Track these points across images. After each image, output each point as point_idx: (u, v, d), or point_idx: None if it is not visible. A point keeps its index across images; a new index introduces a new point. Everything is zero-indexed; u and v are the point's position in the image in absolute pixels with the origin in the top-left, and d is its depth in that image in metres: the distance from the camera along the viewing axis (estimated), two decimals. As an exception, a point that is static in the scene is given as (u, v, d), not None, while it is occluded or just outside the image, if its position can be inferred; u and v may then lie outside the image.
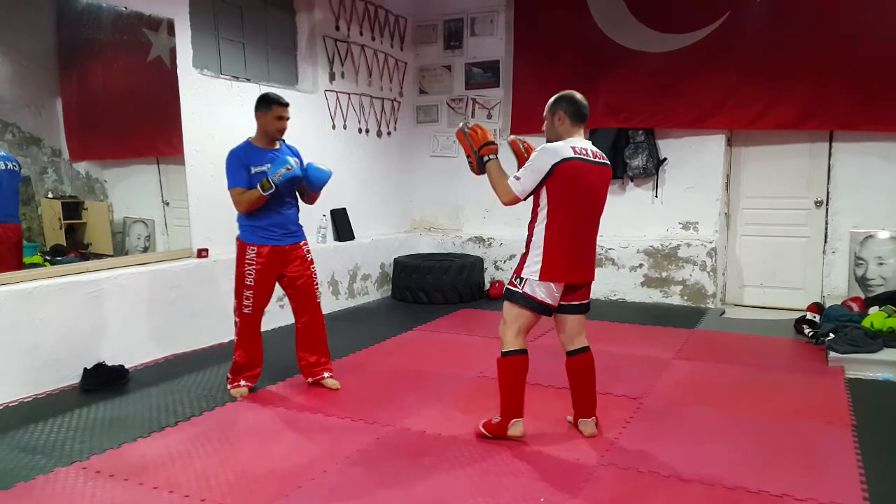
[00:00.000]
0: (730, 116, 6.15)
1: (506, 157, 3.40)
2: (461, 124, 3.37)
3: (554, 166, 3.04)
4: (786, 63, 5.86)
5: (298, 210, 4.06)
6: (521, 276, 3.18)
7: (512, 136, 3.43)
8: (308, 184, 3.95)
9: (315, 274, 4.08)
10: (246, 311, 3.91)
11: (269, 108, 3.83)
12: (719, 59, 6.09)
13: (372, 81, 6.92)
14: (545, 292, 3.15)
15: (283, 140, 4.01)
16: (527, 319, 3.21)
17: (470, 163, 3.36)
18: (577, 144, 3.12)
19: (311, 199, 4.13)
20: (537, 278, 3.13)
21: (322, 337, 4.13)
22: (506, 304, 3.26)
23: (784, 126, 5.98)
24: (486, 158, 3.27)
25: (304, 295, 4.02)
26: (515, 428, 3.26)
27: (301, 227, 4.07)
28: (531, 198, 3.18)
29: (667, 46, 6.29)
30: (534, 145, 3.31)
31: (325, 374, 4.12)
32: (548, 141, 3.23)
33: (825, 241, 6.12)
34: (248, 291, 3.88)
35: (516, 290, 3.20)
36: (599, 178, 3.19)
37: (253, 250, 3.85)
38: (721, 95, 6.12)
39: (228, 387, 4.01)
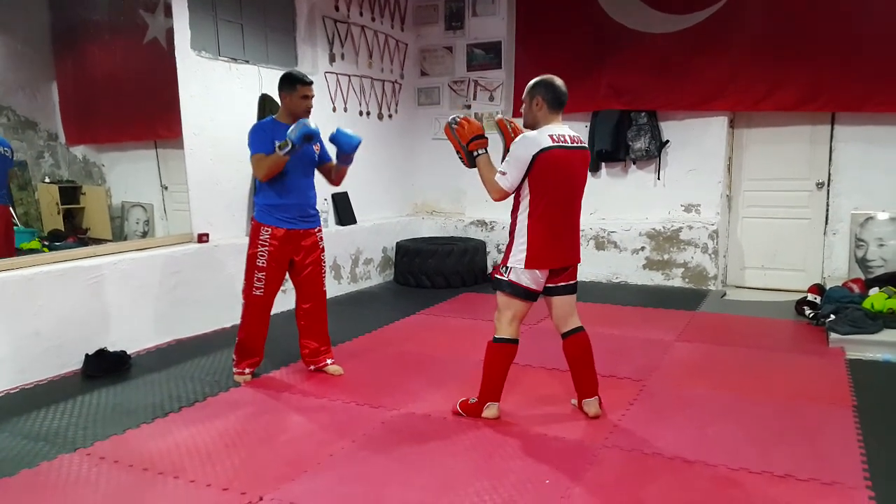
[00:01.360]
0: (733, 98, 6.11)
1: (493, 140, 3.37)
2: (449, 119, 3.34)
3: (535, 156, 3.04)
4: (788, 45, 5.82)
5: (316, 195, 3.99)
6: (507, 264, 3.21)
7: (500, 116, 3.40)
8: (339, 148, 3.87)
9: (324, 261, 4.05)
10: (257, 293, 3.85)
11: (294, 87, 3.76)
12: (722, 40, 6.04)
13: (372, 63, 6.85)
14: (530, 279, 3.18)
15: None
16: (517, 307, 3.24)
17: (460, 158, 3.33)
18: (555, 131, 3.10)
19: (338, 176, 4.04)
20: (522, 266, 3.15)
21: (324, 325, 4.10)
22: (497, 292, 3.28)
23: (787, 108, 5.94)
24: (475, 153, 3.25)
25: (311, 282, 3.98)
26: (489, 411, 3.33)
27: (318, 212, 4.02)
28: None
29: (670, 27, 6.23)
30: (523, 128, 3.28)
31: (328, 361, 4.10)
32: (525, 125, 3.23)
33: (826, 223, 6.11)
34: (260, 273, 3.82)
35: (503, 278, 3.23)
36: (578, 162, 3.19)
37: (267, 231, 3.79)
38: (724, 77, 6.08)
39: (234, 369, 3.99)
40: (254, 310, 3.89)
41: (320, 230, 4.03)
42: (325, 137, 3.95)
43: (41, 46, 5.22)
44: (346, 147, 3.89)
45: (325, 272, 4.06)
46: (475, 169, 3.26)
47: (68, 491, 2.69)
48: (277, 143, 3.64)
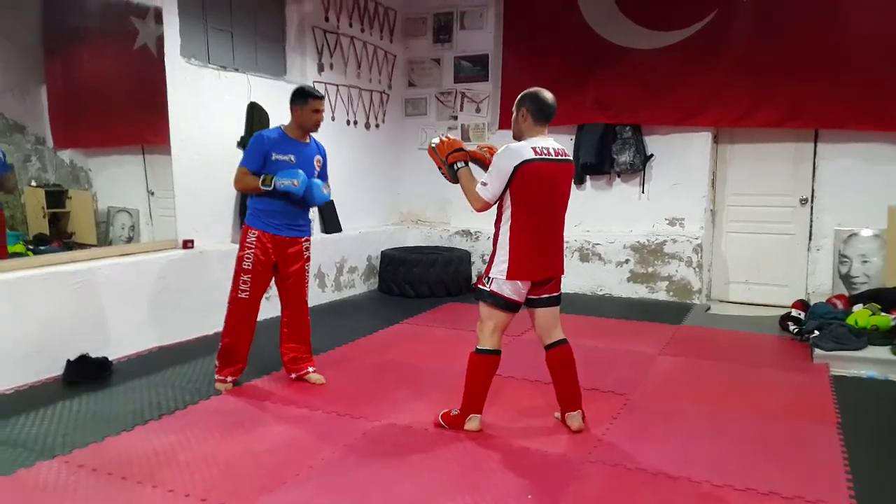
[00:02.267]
0: (715, 114, 6.19)
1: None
2: (431, 141, 3.39)
3: (516, 168, 3.06)
4: (772, 62, 5.90)
5: (307, 212, 4.02)
6: (490, 275, 3.22)
7: (472, 147, 3.44)
8: (306, 198, 3.88)
9: (308, 270, 4.07)
10: (242, 295, 3.87)
11: (305, 101, 3.81)
12: (706, 56, 6.12)
13: (361, 73, 6.87)
14: (511, 290, 3.19)
15: (314, 137, 4.00)
16: (499, 318, 3.25)
17: (442, 174, 3.38)
18: (539, 144, 3.13)
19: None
20: (504, 277, 3.16)
21: (306, 333, 4.11)
22: (480, 303, 3.30)
23: (769, 124, 6.02)
24: (455, 167, 3.29)
25: (293, 289, 4.01)
26: (472, 423, 3.33)
27: (309, 221, 4.05)
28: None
29: (655, 43, 6.31)
30: (497, 145, 3.32)
31: (309, 369, 4.09)
32: (513, 136, 3.26)
33: (810, 239, 6.18)
34: (246, 276, 3.86)
35: (484, 289, 3.25)
36: (561, 175, 3.21)
37: (254, 234, 3.84)
38: (707, 93, 6.15)
39: (216, 376, 3.97)
40: (238, 312, 3.90)
41: (308, 240, 4.03)
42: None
43: (32, 50, 5.20)
44: (310, 201, 3.88)
45: (307, 282, 4.08)
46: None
47: (45, 499, 2.66)
48: (262, 178, 3.72)
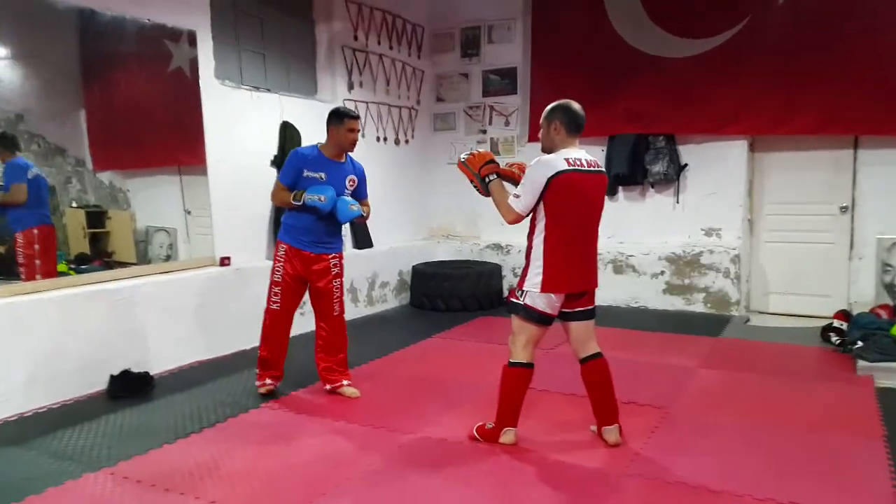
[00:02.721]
0: (751, 122, 6.10)
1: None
2: (461, 156, 3.41)
3: (550, 179, 3.06)
4: (808, 67, 5.80)
5: (337, 230, 4.10)
6: (523, 288, 3.21)
7: (501, 164, 3.45)
8: (335, 215, 3.96)
9: (338, 287, 4.11)
10: (273, 306, 4.05)
11: (342, 121, 3.92)
12: (740, 63, 6.04)
13: (389, 90, 6.95)
14: (545, 303, 3.17)
15: (350, 155, 4.10)
16: (532, 331, 3.23)
17: (475, 187, 3.38)
18: (571, 155, 3.12)
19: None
20: (538, 290, 3.14)
21: (339, 345, 4.17)
22: (512, 316, 3.29)
23: (806, 131, 5.91)
24: (487, 179, 3.30)
25: (322, 304, 4.11)
26: (507, 436, 3.31)
27: (340, 240, 4.14)
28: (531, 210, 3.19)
29: (687, 51, 6.26)
30: (525, 161, 3.35)
31: (344, 382, 4.15)
32: (543, 150, 3.24)
33: (851, 248, 6.04)
34: (276, 288, 4.03)
35: (518, 302, 3.23)
36: (595, 186, 3.20)
37: (283, 248, 4.01)
38: (742, 100, 6.07)
39: (256, 382, 4.12)
40: (271, 323, 4.08)
41: (337, 257, 4.10)
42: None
43: (70, 76, 5.36)
44: (339, 217, 3.94)
45: (338, 297, 4.13)
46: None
47: (91, 511, 2.72)
48: (294, 194, 3.86)
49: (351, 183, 4.03)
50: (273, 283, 4.03)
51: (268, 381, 4.11)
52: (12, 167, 4.59)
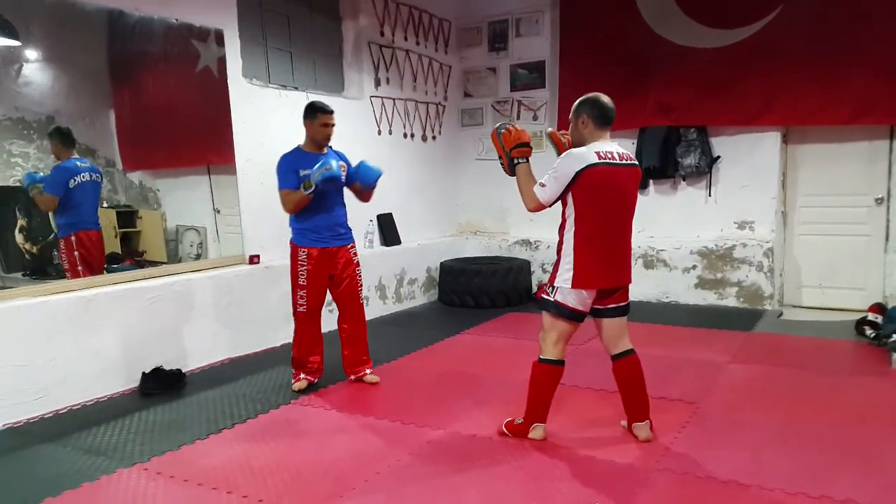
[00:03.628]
0: (784, 113, 5.98)
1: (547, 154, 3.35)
2: (498, 125, 3.35)
3: (579, 173, 3.01)
4: (842, 56, 5.66)
5: (346, 213, 4.20)
6: (554, 284, 3.17)
7: (551, 129, 3.41)
8: (360, 180, 4.12)
9: (360, 276, 4.22)
10: (300, 309, 4.11)
11: (315, 116, 4.04)
12: (773, 53, 5.92)
13: (417, 86, 6.95)
14: (576, 299, 3.13)
15: (331, 146, 4.17)
16: (563, 328, 3.20)
17: (501, 164, 3.33)
18: (603, 148, 3.06)
19: (365, 198, 4.29)
20: (569, 286, 3.11)
21: (362, 336, 4.28)
22: (543, 312, 3.25)
23: (841, 122, 5.78)
24: (516, 161, 3.24)
25: (347, 294, 4.18)
26: (536, 432, 3.30)
27: (350, 229, 4.23)
28: (559, 203, 3.15)
29: (718, 42, 6.15)
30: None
31: (367, 371, 4.26)
32: (572, 144, 3.20)
33: (886, 240, 5.90)
34: (302, 291, 4.08)
35: (549, 298, 3.20)
36: (627, 179, 3.14)
37: (304, 252, 4.04)
38: (775, 91, 5.95)
39: (292, 380, 4.20)
40: (300, 325, 4.15)
41: (353, 247, 4.21)
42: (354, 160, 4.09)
43: (99, 78, 5.45)
44: (366, 179, 4.12)
45: (361, 286, 4.24)
46: (517, 187, 3.24)
47: (126, 505, 2.77)
48: (302, 184, 3.90)
49: (342, 168, 4.09)
50: (298, 287, 4.08)
51: (302, 376, 4.18)
52: (59, 172, 4.66)
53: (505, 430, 3.38)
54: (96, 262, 4.75)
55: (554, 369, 3.23)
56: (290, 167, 3.98)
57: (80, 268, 4.59)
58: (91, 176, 4.79)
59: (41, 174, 4.60)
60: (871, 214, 5.97)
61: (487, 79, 7.47)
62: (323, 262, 4.06)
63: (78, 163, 4.72)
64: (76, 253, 4.63)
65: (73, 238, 4.66)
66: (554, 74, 7.08)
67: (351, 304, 4.21)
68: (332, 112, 4.07)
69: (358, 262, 4.23)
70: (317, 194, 3.92)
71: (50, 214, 4.78)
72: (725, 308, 6.25)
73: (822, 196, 6.18)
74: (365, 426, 3.57)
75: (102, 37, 5.41)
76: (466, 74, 7.58)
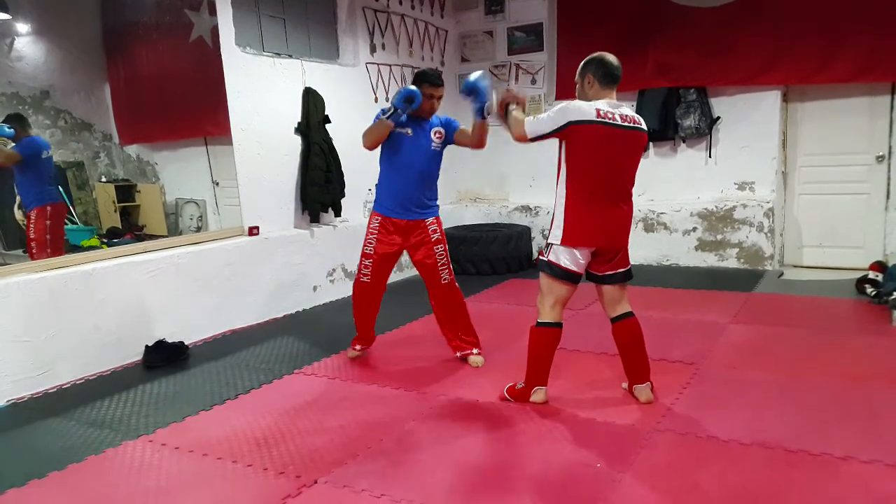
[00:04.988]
0: (785, 71, 5.91)
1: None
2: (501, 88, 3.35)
3: (570, 123, 2.98)
4: (843, 13, 5.59)
5: (435, 189, 3.94)
6: (548, 241, 3.18)
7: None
8: (466, 95, 3.68)
9: (441, 253, 3.92)
10: (363, 279, 3.96)
11: (420, 84, 3.77)
12: (772, 11, 5.84)
13: (413, 51, 6.85)
14: (569, 258, 3.12)
15: (437, 115, 3.94)
16: (559, 290, 3.20)
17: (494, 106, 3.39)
18: (604, 107, 3.01)
19: (476, 137, 3.82)
20: (559, 243, 3.11)
21: (457, 314, 4.03)
22: (540, 275, 3.26)
23: (843, 79, 5.72)
24: (509, 108, 3.29)
25: (428, 271, 3.93)
26: (537, 395, 3.32)
27: (435, 205, 3.95)
28: (556, 160, 3.15)
29: (718, 1, 6.05)
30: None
31: (474, 351, 4.03)
32: None
33: (887, 198, 5.88)
34: (367, 260, 3.92)
35: (543, 259, 3.21)
36: (628, 143, 3.08)
37: (377, 220, 3.90)
38: (776, 49, 5.87)
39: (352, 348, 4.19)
40: (360, 295, 4.03)
41: (435, 221, 3.92)
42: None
43: (94, 50, 5.39)
44: (466, 89, 3.58)
45: (443, 264, 3.93)
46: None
47: (132, 476, 2.80)
48: (383, 115, 3.66)
49: (437, 135, 3.84)
50: (364, 255, 3.91)
51: (357, 346, 4.15)
52: (32, 141, 4.70)
53: (506, 394, 3.40)
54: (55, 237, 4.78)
55: (552, 332, 3.24)
56: (381, 113, 3.72)
57: (48, 236, 4.61)
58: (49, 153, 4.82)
59: (10, 128, 4.53)
60: (871, 172, 5.93)
61: (485, 43, 7.37)
62: (393, 236, 3.86)
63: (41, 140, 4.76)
64: (47, 222, 4.65)
65: (47, 209, 4.68)
66: (552, 37, 6.98)
67: (434, 283, 3.93)
68: (440, 84, 3.82)
69: (439, 237, 3.90)
70: (401, 163, 3.76)
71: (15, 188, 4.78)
72: (726, 269, 6.25)
73: (823, 155, 6.15)
74: (368, 394, 3.59)
75: (95, 9, 5.34)
76: (463, 39, 7.48)
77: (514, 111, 3.25)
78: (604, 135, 3.00)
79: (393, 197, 3.84)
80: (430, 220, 3.92)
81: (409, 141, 3.79)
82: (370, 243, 3.91)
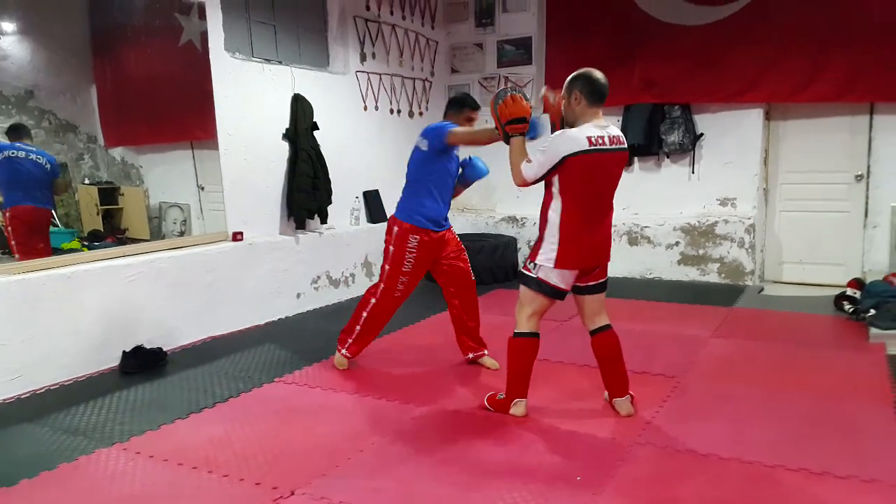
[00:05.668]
0: (769, 89, 5.99)
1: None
2: (499, 91, 3.21)
3: (566, 157, 2.98)
4: (826, 34, 5.68)
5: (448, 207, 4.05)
6: (536, 261, 3.16)
7: (544, 91, 3.32)
8: (466, 175, 3.98)
9: (466, 256, 4.12)
10: (397, 294, 3.93)
11: (461, 110, 3.85)
12: (757, 31, 5.92)
13: (403, 61, 6.87)
14: (559, 278, 3.14)
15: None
16: (541, 303, 3.21)
17: (495, 129, 3.27)
18: (594, 133, 3.00)
19: (456, 193, 4.11)
20: (552, 266, 3.11)
21: (476, 315, 4.16)
22: (521, 287, 3.25)
23: (825, 98, 5.80)
24: (511, 136, 3.16)
25: (460, 278, 4.06)
26: (517, 408, 3.30)
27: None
28: (543, 181, 3.13)
29: (704, 19, 6.13)
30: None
31: (485, 352, 4.15)
32: (566, 122, 3.14)
33: (866, 216, 5.96)
34: (405, 277, 3.89)
35: (531, 275, 3.19)
36: (615, 163, 3.12)
37: (415, 238, 3.83)
38: (759, 68, 5.95)
39: (338, 347, 4.09)
40: (389, 309, 3.99)
41: (451, 230, 4.08)
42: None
43: (81, 51, 5.34)
44: (471, 177, 4.00)
45: (466, 263, 4.09)
46: (507, 163, 3.18)
47: (105, 484, 2.75)
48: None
49: (458, 155, 3.99)
50: (401, 273, 3.86)
51: (348, 355, 4.09)
52: None
53: (487, 404, 3.40)
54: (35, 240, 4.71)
55: (530, 342, 3.24)
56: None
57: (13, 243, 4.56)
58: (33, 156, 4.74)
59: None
60: (850, 191, 6.01)
61: (474, 55, 7.40)
62: (432, 250, 3.91)
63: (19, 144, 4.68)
64: (10, 228, 4.60)
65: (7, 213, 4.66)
66: (541, 51, 7.03)
67: (465, 285, 4.07)
68: (478, 108, 3.87)
69: (458, 241, 4.10)
70: (442, 181, 3.85)
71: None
72: (707, 284, 6.30)
73: (803, 173, 6.23)
74: (349, 404, 3.57)
75: (83, 9, 5.31)
76: (453, 50, 7.51)
77: (515, 151, 3.12)
78: (597, 161, 3.01)
79: (433, 213, 3.88)
80: (450, 228, 4.07)
81: (449, 165, 3.89)
82: (409, 261, 3.85)
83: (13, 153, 4.63)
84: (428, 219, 3.86)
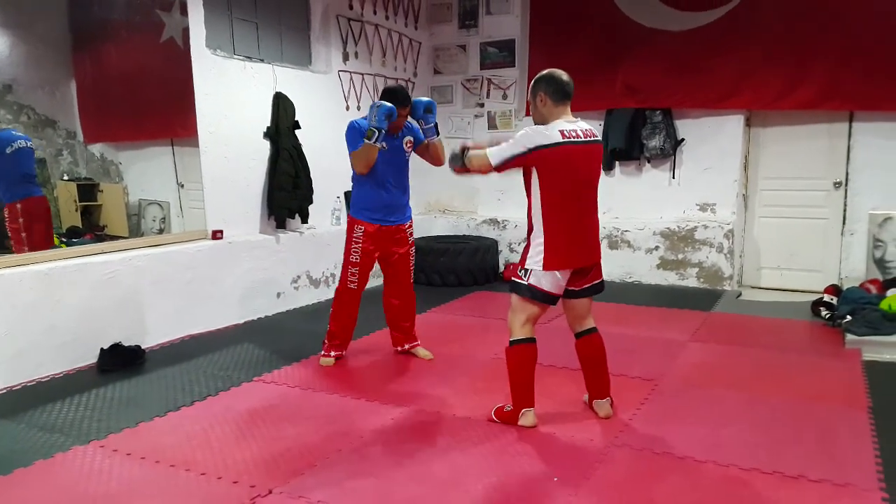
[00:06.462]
0: (750, 96, 6.05)
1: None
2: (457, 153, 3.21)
3: (537, 148, 2.98)
4: (807, 42, 5.75)
5: (408, 193, 4.17)
6: (525, 266, 3.14)
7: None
8: (413, 112, 3.94)
9: (412, 256, 4.24)
10: (351, 286, 4.07)
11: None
12: (739, 37, 5.98)
13: (386, 62, 6.87)
14: (550, 282, 3.11)
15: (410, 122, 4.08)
16: (533, 310, 3.19)
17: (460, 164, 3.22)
18: (566, 127, 3.03)
19: (434, 153, 4.12)
20: (541, 268, 3.09)
21: (412, 314, 4.33)
22: (513, 294, 3.22)
23: (805, 106, 5.88)
24: (465, 156, 3.17)
25: (399, 273, 4.19)
26: (526, 418, 3.21)
27: (409, 208, 4.21)
28: (524, 184, 3.14)
29: (686, 25, 6.18)
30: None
31: (418, 343, 4.35)
32: (536, 125, 3.14)
33: (843, 223, 6.04)
34: (354, 269, 4.05)
35: (521, 282, 3.15)
36: (592, 157, 3.13)
37: (361, 228, 4.01)
38: (741, 75, 6.02)
39: (322, 352, 4.21)
40: (347, 301, 4.12)
41: (410, 225, 4.20)
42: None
43: (60, 46, 5.29)
44: (416, 111, 3.93)
45: (412, 265, 4.24)
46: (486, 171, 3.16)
47: (81, 482, 2.73)
48: (364, 137, 3.78)
49: (409, 144, 4.08)
50: (350, 264, 4.03)
51: (332, 353, 4.18)
52: None
53: (494, 416, 3.31)
54: (42, 231, 4.68)
55: (527, 348, 3.20)
56: (359, 133, 3.85)
57: (23, 235, 4.51)
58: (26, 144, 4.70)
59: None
60: (829, 198, 6.10)
61: (457, 56, 7.41)
62: (378, 241, 4.04)
63: (12, 132, 4.64)
64: (20, 220, 4.56)
65: (18, 205, 4.58)
66: (524, 53, 7.05)
67: (402, 281, 4.21)
68: (407, 105, 3.88)
69: (413, 242, 4.22)
70: (378, 170, 3.91)
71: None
72: (686, 288, 6.36)
73: (783, 179, 6.30)
74: (328, 404, 3.56)
75: (63, 3, 5.25)
76: (436, 51, 7.52)
77: (472, 151, 3.17)
78: (571, 153, 3.02)
79: (376, 206, 4.00)
80: (408, 223, 4.17)
81: (384, 155, 3.93)
82: (356, 252, 4.01)
83: (24, 144, 4.62)
84: (369, 209, 4.00)
